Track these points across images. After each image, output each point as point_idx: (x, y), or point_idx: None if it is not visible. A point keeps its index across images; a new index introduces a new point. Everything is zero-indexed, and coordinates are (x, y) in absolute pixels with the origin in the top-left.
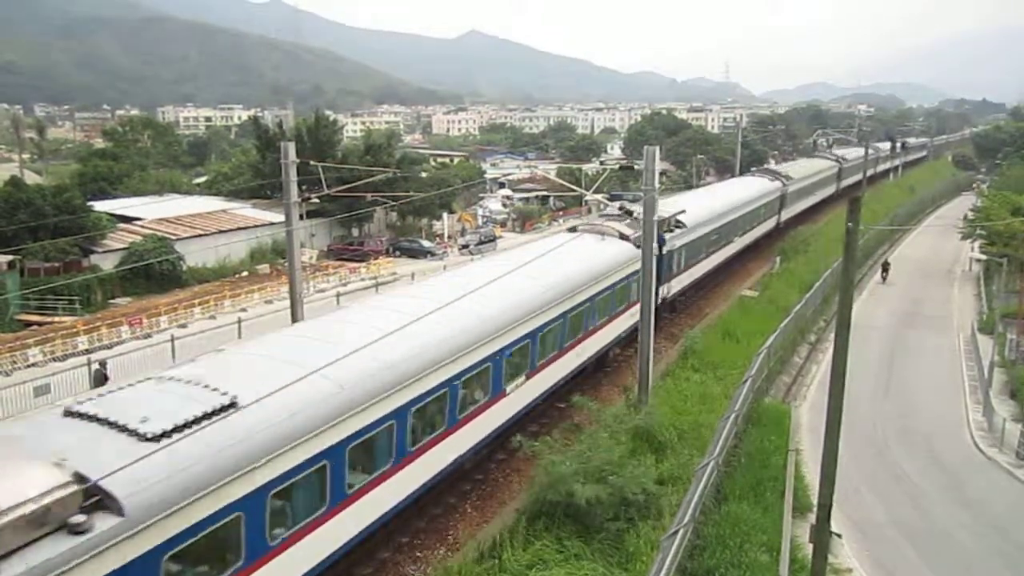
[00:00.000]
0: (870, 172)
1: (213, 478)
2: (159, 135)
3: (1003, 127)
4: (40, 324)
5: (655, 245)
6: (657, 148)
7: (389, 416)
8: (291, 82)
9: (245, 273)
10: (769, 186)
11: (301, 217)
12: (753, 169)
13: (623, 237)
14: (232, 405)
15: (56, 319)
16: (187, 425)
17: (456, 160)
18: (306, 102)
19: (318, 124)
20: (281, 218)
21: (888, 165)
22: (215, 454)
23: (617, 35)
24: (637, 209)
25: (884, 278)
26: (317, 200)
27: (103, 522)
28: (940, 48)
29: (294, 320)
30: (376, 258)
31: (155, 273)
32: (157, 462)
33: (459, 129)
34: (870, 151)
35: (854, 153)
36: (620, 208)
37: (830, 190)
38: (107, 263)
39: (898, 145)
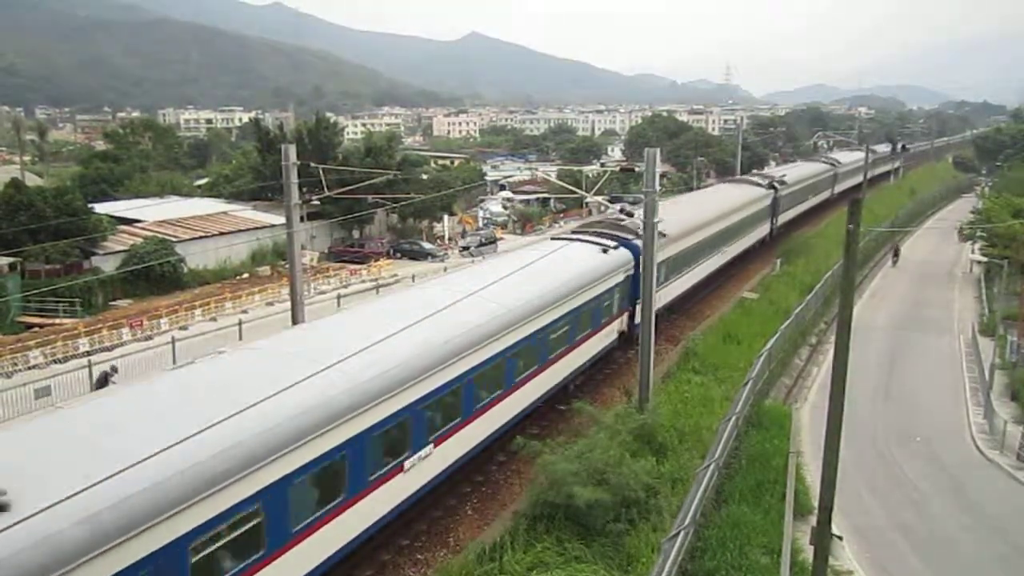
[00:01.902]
0: (836, 190)
1: None
2: (160, 137)
3: (1004, 129)
4: (41, 326)
5: None
6: (658, 150)
7: None
8: (292, 84)
9: (246, 275)
10: (608, 262)
11: (302, 219)
12: (556, 226)
13: None
14: None
15: (57, 321)
16: None
17: (457, 162)
18: (307, 104)
19: (319, 126)
20: (282, 220)
21: (885, 168)
22: None
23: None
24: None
25: (895, 262)
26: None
27: None
28: (941, 50)
29: (295, 322)
30: (377, 260)
31: (156, 275)
32: None
33: (460, 131)
34: (833, 164)
35: (800, 171)
36: (621, 209)
37: (757, 234)
38: (108, 265)
39: (899, 147)
